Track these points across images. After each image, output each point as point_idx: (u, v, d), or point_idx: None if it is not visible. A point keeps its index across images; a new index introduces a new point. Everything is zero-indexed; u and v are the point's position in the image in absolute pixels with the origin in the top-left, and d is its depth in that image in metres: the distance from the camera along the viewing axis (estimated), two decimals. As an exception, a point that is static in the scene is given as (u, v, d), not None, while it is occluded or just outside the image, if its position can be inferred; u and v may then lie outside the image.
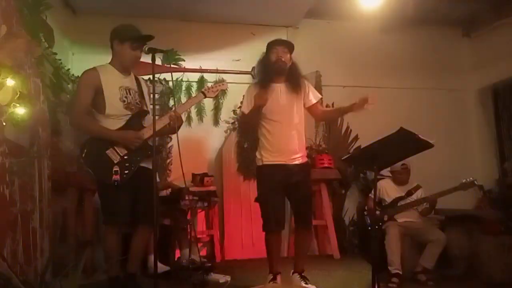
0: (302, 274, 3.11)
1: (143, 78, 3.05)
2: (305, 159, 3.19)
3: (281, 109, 3.07)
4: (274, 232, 3.07)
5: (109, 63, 2.88)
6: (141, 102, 2.89)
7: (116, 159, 2.71)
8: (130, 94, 2.84)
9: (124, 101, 2.80)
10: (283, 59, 3.07)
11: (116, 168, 2.67)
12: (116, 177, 2.66)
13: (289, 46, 3.15)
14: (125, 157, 2.73)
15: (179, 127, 2.91)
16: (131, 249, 2.84)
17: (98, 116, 2.80)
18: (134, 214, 2.75)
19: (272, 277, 3.09)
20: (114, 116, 2.77)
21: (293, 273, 3.14)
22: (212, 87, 3.08)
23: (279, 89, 3.11)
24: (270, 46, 3.14)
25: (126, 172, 2.70)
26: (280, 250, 3.29)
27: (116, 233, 2.77)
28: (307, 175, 3.19)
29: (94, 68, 2.82)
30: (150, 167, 2.76)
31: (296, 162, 3.09)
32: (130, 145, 2.73)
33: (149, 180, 2.57)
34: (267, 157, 3.07)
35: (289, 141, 3.07)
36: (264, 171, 3.09)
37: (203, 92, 3.05)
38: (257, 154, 3.16)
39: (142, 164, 2.79)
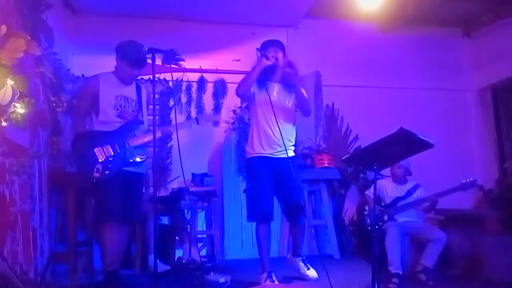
0: (304, 259, 3.16)
1: (144, 82, 3.30)
2: (293, 154, 3.34)
3: (273, 105, 3.16)
4: (266, 224, 3.20)
5: (113, 71, 3.08)
6: (137, 111, 3.09)
7: (101, 158, 2.87)
8: (127, 103, 3.06)
9: (118, 109, 3.01)
10: (275, 58, 3.17)
11: (98, 167, 2.84)
12: (96, 175, 2.83)
13: (280, 46, 3.28)
14: (110, 159, 2.89)
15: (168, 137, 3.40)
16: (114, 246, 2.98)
17: (94, 119, 3.04)
18: (122, 214, 2.91)
19: (266, 275, 3.11)
20: (106, 122, 2.99)
21: (292, 255, 3.18)
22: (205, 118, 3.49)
23: (273, 87, 3.25)
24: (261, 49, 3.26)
25: (106, 172, 2.86)
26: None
27: (109, 231, 2.91)
28: (296, 167, 3.36)
29: (96, 76, 3.06)
30: (141, 171, 3.10)
31: (284, 155, 3.21)
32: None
33: (138, 183, 2.99)
34: (256, 149, 3.23)
35: (278, 135, 3.17)
36: (254, 163, 3.23)
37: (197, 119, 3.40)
38: (247, 147, 3.34)
39: (134, 170, 3.01)
